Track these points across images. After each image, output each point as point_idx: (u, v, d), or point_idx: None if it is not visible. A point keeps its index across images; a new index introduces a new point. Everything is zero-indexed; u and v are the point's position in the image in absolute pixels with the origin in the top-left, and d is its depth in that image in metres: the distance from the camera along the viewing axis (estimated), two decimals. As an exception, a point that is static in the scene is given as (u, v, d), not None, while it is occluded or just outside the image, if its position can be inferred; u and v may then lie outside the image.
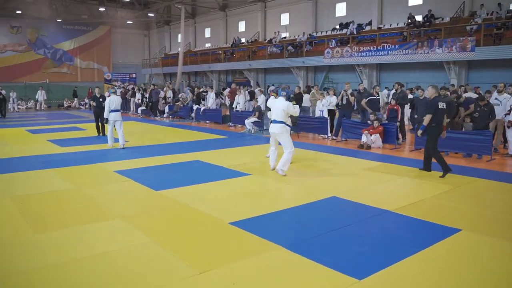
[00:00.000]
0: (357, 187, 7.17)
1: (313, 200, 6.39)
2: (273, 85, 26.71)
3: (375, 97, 12.67)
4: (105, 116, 11.51)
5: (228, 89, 21.35)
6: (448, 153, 10.43)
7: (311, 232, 5.02)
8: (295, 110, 8.04)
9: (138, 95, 22.39)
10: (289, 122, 8.09)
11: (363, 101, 12.85)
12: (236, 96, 17.15)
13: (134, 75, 33.13)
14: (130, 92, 23.49)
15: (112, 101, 11.40)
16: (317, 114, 13.80)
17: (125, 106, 24.33)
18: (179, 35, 40.31)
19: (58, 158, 9.85)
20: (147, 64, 40.78)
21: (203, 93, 20.01)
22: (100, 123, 13.58)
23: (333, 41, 23.93)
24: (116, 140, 11.59)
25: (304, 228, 5.17)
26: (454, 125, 11.16)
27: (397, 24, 22.73)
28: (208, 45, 36.75)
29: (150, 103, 21.12)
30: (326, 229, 5.11)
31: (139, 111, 21.91)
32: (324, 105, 13.54)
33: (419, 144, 10.90)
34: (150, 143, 12.27)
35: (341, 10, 26.16)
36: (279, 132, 7.90)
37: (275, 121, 7.96)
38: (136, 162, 9.35)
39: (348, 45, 22.65)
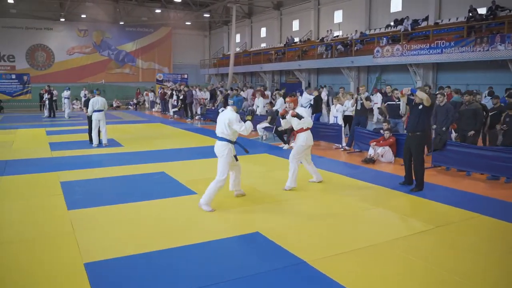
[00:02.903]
0: (299, 221, 5.65)
1: (230, 235, 5.10)
2: (324, 86, 24.91)
3: (394, 103, 10.77)
4: (88, 114, 11.98)
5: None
6: (470, 173, 8.38)
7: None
8: (240, 128, 6.02)
9: (175, 96, 21.96)
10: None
11: (383, 105, 11.02)
12: (256, 99, 15.91)
13: (186, 76, 33.06)
14: (169, 93, 23.18)
15: (96, 101, 11.75)
16: (331, 120, 12.13)
17: (164, 107, 24.20)
18: (237, 35, 39.96)
19: (23, 164, 9.42)
20: (205, 65, 40.81)
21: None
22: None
23: (384, 39, 21.72)
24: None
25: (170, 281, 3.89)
26: (492, 135, 9.07)
27: (457, 18, 19.94)
28: (263, 45, 35.78)
29: (183, 105, 20.55)
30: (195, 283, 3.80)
31: (171, 112, 21.48)
32: (338, 110, 11.85)
33: (437, 161, 8.92)
34: (142, 149, 11.49)
35: (396, 5, 23.73)
36: (217, 152, 6.22)
37: (218, 138, 6.28)
38: (97, 172, 8.59)
39: (399, 43, 20.35)
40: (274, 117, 13.26)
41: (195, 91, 21.45)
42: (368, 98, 11.01)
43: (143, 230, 5.28)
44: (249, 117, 6.35)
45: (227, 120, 6.08)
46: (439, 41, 18.27)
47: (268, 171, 8.80)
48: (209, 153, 10.63)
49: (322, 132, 12.03)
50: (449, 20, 20.41)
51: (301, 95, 13.76)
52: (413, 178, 7.27)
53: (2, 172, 8.49)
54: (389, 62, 21.02)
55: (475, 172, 8.31)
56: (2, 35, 34.82)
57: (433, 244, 4.79)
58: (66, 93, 25.46)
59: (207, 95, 22.20)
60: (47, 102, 22.18)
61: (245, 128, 6.08)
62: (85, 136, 12.56)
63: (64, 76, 36.14)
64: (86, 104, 12.37)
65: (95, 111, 11.74)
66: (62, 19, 35.71)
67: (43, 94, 23.46)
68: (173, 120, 20.43)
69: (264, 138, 13.28)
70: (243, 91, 19.49)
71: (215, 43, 43.54)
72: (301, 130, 7.27)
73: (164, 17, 39.21)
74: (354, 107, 11.29)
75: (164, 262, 4.35)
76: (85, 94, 21.05)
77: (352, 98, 11.57)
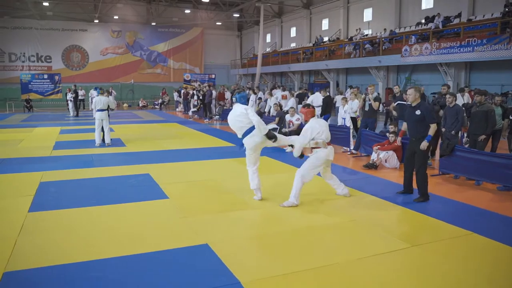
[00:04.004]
0: (259, 234, 5.15)
1: (178, 245, 4.68)
2: (350, 87, 23.99)
3: (405, 102, 9.95)
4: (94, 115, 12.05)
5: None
6: (480, 182, 7.53)
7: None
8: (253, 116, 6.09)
9: (195, 96, 21.78)
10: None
11: (392, 104, 10.26)
12: (268, 99, 15.39)
13: (213, 76, 32.93)
14: (191, 93, 23.03)
15: (98, 101, 11.69)
16: (340, 122, 11.44)
17: (186, 107, 24.10)
18: (267, 35, 39.53)
19: (15, 162, 9.38)
20: (236, 65, 40.61)
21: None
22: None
23: (413, 37, 20.60)
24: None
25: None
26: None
27: (492, 14, 18.58)
28: (293, 44, 35.12)
29: (202, 105, 20.31)
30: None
31: (190, 112, 21.30)
32: (346, 111, 11.15)
33: (445, 168, 8.10)
34: (143, 150, 11.25)
35: (427, 1, 22.50)
36: (256, 144, 6.25)
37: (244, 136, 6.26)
38: (82, 173, 8.39)
39: (428, 41, 19.22)
40: (283, 118, 12.72)
41: (215, 91, 21.14)
42: (377, 99, 10.25)
43: (92, 237, 4.94)
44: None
45: (239, 112, 6.15)
46: (471, 39, 17.05)
47: (260, 175, 8.24)
48: (208, 155, 10.38)
49: (331, 134, 11.34)
50: (484, 16, 19.08)
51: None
52: (415, 187, 6.58)
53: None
54: (417, 62, 19.94)
55: (486, 182, 7.45)
56: (40, 37, 36.04)
57: (395, 267, 4.14)
58: (93, 93, 26.00)
59: (227, 95, 21.87)
60: (70, 101, 22.51)
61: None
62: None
63: (97, 76, 36.95)
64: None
65: (98, 110, 11.67)
66: (96, 21, 36.47)
67: (67, 93, 23.90)
68: (192, 120, 20.23)
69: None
70: (254, 91, 18.90)
71: (246, 43, 43.27)
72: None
73: (194, 17, 39.34)
74: (363, 109, 10.54)
75: (94, 274, 3.99)
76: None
77: (357, 98, 10.83)
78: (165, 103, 28.17)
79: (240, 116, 6.18)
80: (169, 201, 6.41)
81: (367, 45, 23.44)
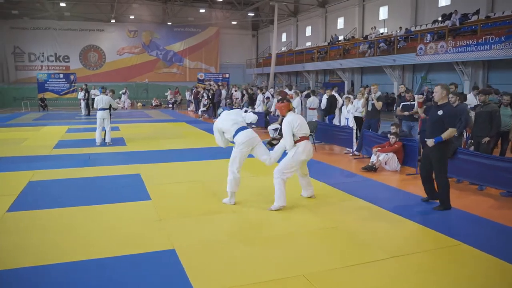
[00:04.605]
0: (229, 241, 4.89)
1: (145, 250, 4.49)
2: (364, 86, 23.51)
3: (408, 103, 9.57)
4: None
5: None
6: (483, 188, 7.11)
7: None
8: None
9: (205, 96, 21.63)
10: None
11: (398, 109, 9.85)
12: (274, 99, 15.07)
13: (227, 75, 32.78)
14: (201, 93, 22.90)
15: (100, 100, 11.62)
16: (343, 122, 11.08)
17: (197, 106, 23.99)
18: (284, 34, 39.19)
19: (10, 161, 9.37)
20: (251, 64, 40.38)
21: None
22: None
23: (428, 35, 19.98)
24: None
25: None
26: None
27: None
28: (308, 43, 34.70)
29: (211, 104, 20.14)
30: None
31: (199, 112, 21.16)
32: (349, 111, 10.78)
33: (450, 172, 7.65)
34: (143, 149, 11.12)
35: (445, -2, 21.86)
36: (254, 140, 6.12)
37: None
38: (72, 172, 8.29)
39: (444, 39, 18.60)
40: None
41: (228, 91, 20.97)
42: (380, 99, 9.87)
43: (63, 239, 4.81)
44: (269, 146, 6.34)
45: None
46: (488, 37, 16.40)
47: (252, 176, 8.00)
48: (207, 155, 10.16)
49: (334, 135, 11.04)
50: (503, 13, 18.35)
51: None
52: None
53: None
54: (432, 60, 19.34)
55: (490, 187, 7.02)
56: (58, 37, 36.59)
57: (364, 280, 3.82)
58: (96, 92, 26.20)
59: (238, 94, 21.64)
60: (83, 100, 22.67)
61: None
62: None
63: (114, 75, 37.29)
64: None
65: (99, 109, 11.62)
66: (113, 21, 36.80)
67: (79, 92, 24.11)
68: (202, 120, 20.09)
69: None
70: (262, 90, 18.59)
71: (263, 42, 43.03)
72: (301, 138, 5.86)
73: (210, 17, 39.32)
74: (365, 108, 10.17)
75: (56, 279, 3.85)
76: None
77: (351, 102, 10.47)
78: (177, 103, 28.14)
79: (234, 114, 6.35)
80: (151, 202, 6.23)
81: (382, 44, 22.89)
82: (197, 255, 4.34)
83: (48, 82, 28.03)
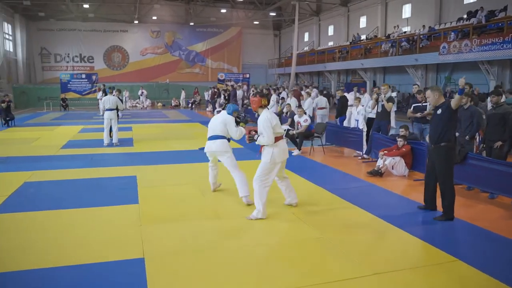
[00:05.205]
0: (207, 248, 4.60)
1: (114, 258, 4.29)
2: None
3: (420, 104, 9.07)
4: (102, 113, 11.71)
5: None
6: (495, 196, 6.60)
7: None
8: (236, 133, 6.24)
9: (222, 96, 21.46)
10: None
11: (409, 111, 9.35)
12: (288, 99, 14.77)
13: (247, 75, 32.55)
14: (217, 93, 22.75)
15: (107, 100, 11.57)
16: (353, 124, 10.64)
17: (214, 106, 23.84)
18: (306, 34, 38.69)
19: (14, 161, 9.39)
20: (274, 64, 40.04)
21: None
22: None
23: (452, 33, 19.18)
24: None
25: None
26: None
27: (542, 6, 16.92)
28: (330, 43, 34.09)
29: (227, 104, 19.92)
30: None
31: (215, 112, 20.97)
32: (359, 112, 10.34)
33: (457, 177, 7.13)
34: (148, 150, 10.99)
35: (471, -6, 20.96)
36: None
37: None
38: (70, 173, 8.22)
39: (468, 37, 17.80)
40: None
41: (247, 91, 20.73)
42: (390, 99, 9.39)
43: (30, 244, 4.66)
44: (242, 124, 6.41)
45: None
46: (515, 34, 15.59)
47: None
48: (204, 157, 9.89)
49: (345, 137, 10.62)
50: (533, 8, 17.44)
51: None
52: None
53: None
54: (456, 60, 18.55)
55: (502, 195, 6.49)
56: (83, 38, 37.23)
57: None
58: (126, 93, 26.58)
59: (255, 95, 21.38)
60: (100, 100, 22.85)
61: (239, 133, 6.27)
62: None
63: (137, 76, 37.68)
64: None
65: (106, 110, 11.58)
66: (136, 21, 37.14)
67: (97, 92, 24.40)
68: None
69: (286, 141, 12.08)
70: (276, 91, 18.27)
71: (285, 42, 42.61)
72: (277, 138, 5.46)
73: (232, 17, 39.19)
74: (376, 110, 9.71)
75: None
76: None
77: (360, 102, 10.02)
78: (196, 103, 28.09)
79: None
80: (137, 206, 6.03)
81: (404, 43, 22.16)
82: (165, 265, 4.10)
83: (70, 82, 28.55)
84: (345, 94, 13.19)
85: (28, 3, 29.12)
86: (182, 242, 4.70)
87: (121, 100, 12.35)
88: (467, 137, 7.26)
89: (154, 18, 37.23)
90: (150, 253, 4.35)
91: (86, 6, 32.87)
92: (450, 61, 19.01)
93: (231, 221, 5.45)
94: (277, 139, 5.43)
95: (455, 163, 6.99)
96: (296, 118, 10.93)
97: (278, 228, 5.18)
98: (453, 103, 5.38)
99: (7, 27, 31.32)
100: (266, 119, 5.35)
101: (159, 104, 30.42)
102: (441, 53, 19.04)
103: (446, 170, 5.57)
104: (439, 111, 5.56)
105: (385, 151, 8.16)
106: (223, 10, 37.45)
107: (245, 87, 26.25)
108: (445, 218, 5.49)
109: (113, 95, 11.80)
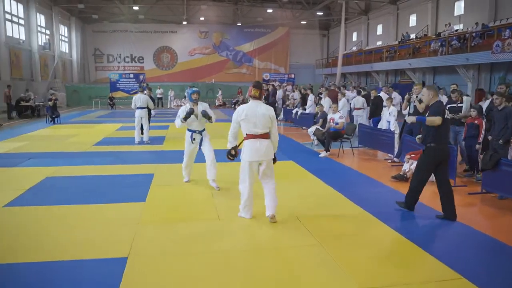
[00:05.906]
0: (193, 251, 4.44)
1: (100, 256, 4.25)
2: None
3: (455, 105, 8.44)
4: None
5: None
6: (502, 197, 5.99)
7: None
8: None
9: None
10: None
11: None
12: (323, 99, 14.38)
13: (292, 75, 32.20)
14: (258, 93, 22.58)
15: (137, 99, 11.69)
16: (384, 125, 10.11)
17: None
18: (354, 34, 37.75)
19: (45, 156, 9.71)
20: (322, 64, 39.40)
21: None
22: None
23: (507, 30, 17.88)
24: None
25: None
26: None
27: None
28: (379, 42, 33.02)
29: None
30: None
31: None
32: (391, 113, 9.80)
33: (488, 186, 6.57)
34: (175, 149, 10.92)
35: (530, -12, 19.47)
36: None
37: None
38: (91, 169, 8.38)
39: (524, 35, 16.54)
40: (327, 120, 11.68)
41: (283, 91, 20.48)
42: (421, 100, 8.78)
43: (33, 238, 4.73)
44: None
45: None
46: None
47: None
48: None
49: (378, 139, 10.12)
50: None
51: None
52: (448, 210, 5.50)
53: (10, 164, 8.76)
54: (510, 59, 17.25)
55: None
56: (134, 39, 38.48)
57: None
58: (171, 93, 27.15)
59: (296, 95, 21.05)
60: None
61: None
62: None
63: (185, 76, 38.40)
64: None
65: (137, 108, 11.70)
66: (185, 22, 37.84)
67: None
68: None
69: (316, 143, 11.75)
70: (312, 91, 17.77)
71: (333, 42, 41.80)
72: (247, 136, 5.17)
73: (279, 17, 38.98)
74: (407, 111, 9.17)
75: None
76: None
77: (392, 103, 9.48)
78: (239, 102, 28.12)
79: None
80: (142, 205, 6.00)
81: (454, 42, 20.97)
82: (146, 266, 3.99)
83: (119, 82, 29.54)
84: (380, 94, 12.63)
85: (83, 6, 30.48)
86: (173, 243, 4.57)
87: (152, 100, 12.38)
88: (501, 141, 6.63)
89: (202, 18, 37.78)
90: (136, 253, 4.27)
91: (136, 8, 33.89)
92: (504, 60, 17.73)
93: (229, 224, 5.25)
94: (247, 137, 5.13)
95: (485, 169, 6.44)
96: (329, 115, 10.53)
97: (275, 232, 4.92)
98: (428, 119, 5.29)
99: (64, 29, 32.97)
100: (237, 111, 5.24)
101: (175, 104, 30.90)
102: (494, 51, 17.83)
103: (417, 168, 5.68)
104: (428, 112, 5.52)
105: (412, 155, 7.64)
106: (270, 10, 37.32)
107: (289, 87, 25.96)
108: (405, 207, 5.72)
109: (144, 94, 11.92)
